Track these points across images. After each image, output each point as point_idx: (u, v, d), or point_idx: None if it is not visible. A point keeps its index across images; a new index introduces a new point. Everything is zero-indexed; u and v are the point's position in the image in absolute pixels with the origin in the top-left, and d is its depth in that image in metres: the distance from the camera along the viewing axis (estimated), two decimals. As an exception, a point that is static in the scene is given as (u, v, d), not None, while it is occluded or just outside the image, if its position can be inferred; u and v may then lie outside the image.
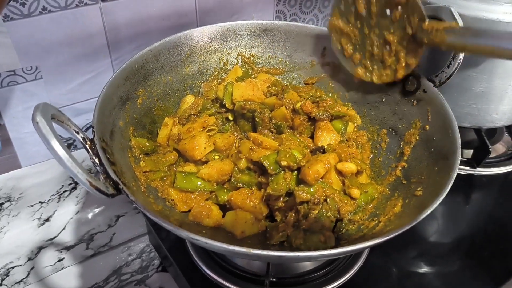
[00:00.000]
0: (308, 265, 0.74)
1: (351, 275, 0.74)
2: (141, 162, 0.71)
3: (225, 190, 0.69)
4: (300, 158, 0.65)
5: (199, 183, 0.68)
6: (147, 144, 0.74)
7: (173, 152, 0.75)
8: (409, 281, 0.76)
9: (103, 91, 0.68)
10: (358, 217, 0.67)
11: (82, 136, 0.60)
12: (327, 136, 0.74)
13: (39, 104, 0.53)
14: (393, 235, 0.54)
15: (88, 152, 0.59)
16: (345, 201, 0.66)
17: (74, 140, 0.93)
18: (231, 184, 0.70)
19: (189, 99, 0.82)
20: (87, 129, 0.92)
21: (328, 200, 0.64)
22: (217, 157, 0.72)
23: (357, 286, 0.74)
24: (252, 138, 0.70)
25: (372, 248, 0.78)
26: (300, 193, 0.63)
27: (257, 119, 0.75)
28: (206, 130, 0.76)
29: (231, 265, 0.74)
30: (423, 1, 0.80)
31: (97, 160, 0.59)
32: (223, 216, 0.68)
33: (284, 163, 0.65)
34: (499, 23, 0.75)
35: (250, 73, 0.88)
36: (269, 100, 0.78)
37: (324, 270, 0.74)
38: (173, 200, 0.68)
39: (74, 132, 0.59)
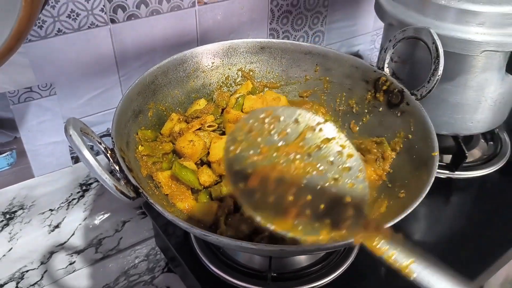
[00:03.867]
0: (305, 261, 0.82)
1: (343, 269, 0.82)
2: (140, 146, 0.78)
3: (207, 196, 0.76)
4: None
5: (191, 179, 0.75)
6: (150, 134, 0.82)
7: (169, 143, 0.82)
8: (395, 276, 0.83)
9: (119, 105, 0.74)
10: None
11: (104, 146, 0.67)
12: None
13: (69, 118, 0.60)
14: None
15: (109, 160, 0.66)
16: None
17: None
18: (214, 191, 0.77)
19: (202, 102, 0.90)
20: (97, 140, 0.98)
21: None
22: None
23: (349, 279, 0.81)
24: None
25: (361, 247, 0.86)
26: None
27: None
28: (206, 126, 0.83)
29: (235, 262, 0.81)
30: (405, 23, 0.89)
31: (117, 167, 0.66)
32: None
33: None
34: (472, 42, 0.84)
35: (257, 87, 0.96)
36: None
37: (319, 265, 0.82)
38: (160, 182, 0.75)
39: (97, 143, 0.66)
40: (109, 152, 0.67)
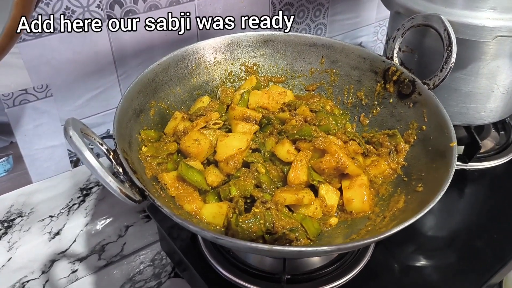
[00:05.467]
0: (319, 262, 0.78)
1: (358, 270, 0.78)
2: (143, 147, 0.74)
3: (216, 197, 0.73)
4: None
5: (198, 179, 0.72)
6: (153, 134, 0.79)
7: (173, 143, 0.79)
8: (410, 274, 0.81)
9: (119, 105, 0.71)
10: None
11: (106, 147, 0.63)
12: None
13: (68, 119, 0.57)
14: (399, 228, 0.57)
15: (112, 162, 0.63)
16: (282, 218, 0.68)
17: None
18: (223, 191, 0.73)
19: (206, 99, 0.87)
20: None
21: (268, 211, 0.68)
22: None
23: (363, 281, 0.78)
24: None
25: (376, 244, 0.83)
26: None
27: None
28: (211, 124, 0.80)
29: (245, 264, 0.78)
30: (413, 10, 0.86)
31: (121, 170, 0.62)
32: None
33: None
34: (484, 27, 0.81)
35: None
36: (283, 115, 0.82)
37: (333, 266, 0.78)
38: (165, 184, 0.71)
39: (98, 144, 0.63)
40: (111, 153, 0.63)
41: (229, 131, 0.80)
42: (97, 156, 0.56)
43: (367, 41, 1.38)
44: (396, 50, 0.86)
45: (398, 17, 0.92)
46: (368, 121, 0.88)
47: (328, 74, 0.92)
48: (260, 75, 0.93)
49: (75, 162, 0.94)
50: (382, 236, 0.56)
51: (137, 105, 0.77)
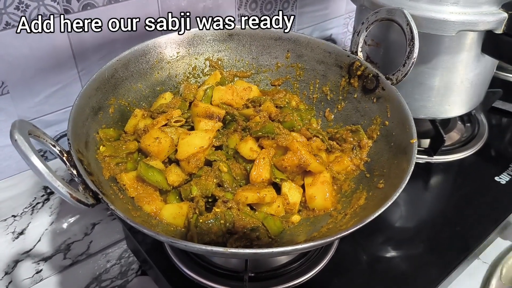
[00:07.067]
0: (283, 259, 0.78)
1: (324, 264, 0.78)
2: (101, 147, 0.72)
3: (177, 197, 0.72)
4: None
5: (159, 179, 0.70)
6: (112, 133, 0.76)
7: (133, 141, 0.77)
8: (378, 265, 0.81)
9: (75, 103, 0.69)
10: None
11: (59, 149, 0.61)
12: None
13: (15, 121, 0.54)
14: (357, 227, 0.57)
15: (66, 164, 0.61)
16: (243, 217, 0.67)
17: (45, 151, 0.93)
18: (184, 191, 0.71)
19: (168, 95, 0.84)
20: (57, 140, 0.92)
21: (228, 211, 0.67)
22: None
23: (330, 274, 0.78)
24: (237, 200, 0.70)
25: (342, 238, 0.83)
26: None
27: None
28: (173, 121, 0.78)
29: (209, 263, 0.77)
30: (377, 4, 0.86)
31: (75, 172, 0.60)
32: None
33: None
34: (447, 22, 0.81)
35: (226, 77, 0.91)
36: (247, 111, 0.81)
37: (298, 262, 0.78)
38: (124, 185, 0.70)
39: (51, 146, 0.60)
40: (65, 155, 0.61)
41: (192, 128, 0.79)
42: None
43: (337, 33, 1.38)
44: (360, 44, 0.85)
45: (363, 11, 0.92)
46: (333, 116, 0.87)
47: (294, 68, 0.91)
48: (225, 70, 0.92)
49: (37, 160, 0.92)
50: (339, 236, 0.56)
51: (95, 102, 0.75)
